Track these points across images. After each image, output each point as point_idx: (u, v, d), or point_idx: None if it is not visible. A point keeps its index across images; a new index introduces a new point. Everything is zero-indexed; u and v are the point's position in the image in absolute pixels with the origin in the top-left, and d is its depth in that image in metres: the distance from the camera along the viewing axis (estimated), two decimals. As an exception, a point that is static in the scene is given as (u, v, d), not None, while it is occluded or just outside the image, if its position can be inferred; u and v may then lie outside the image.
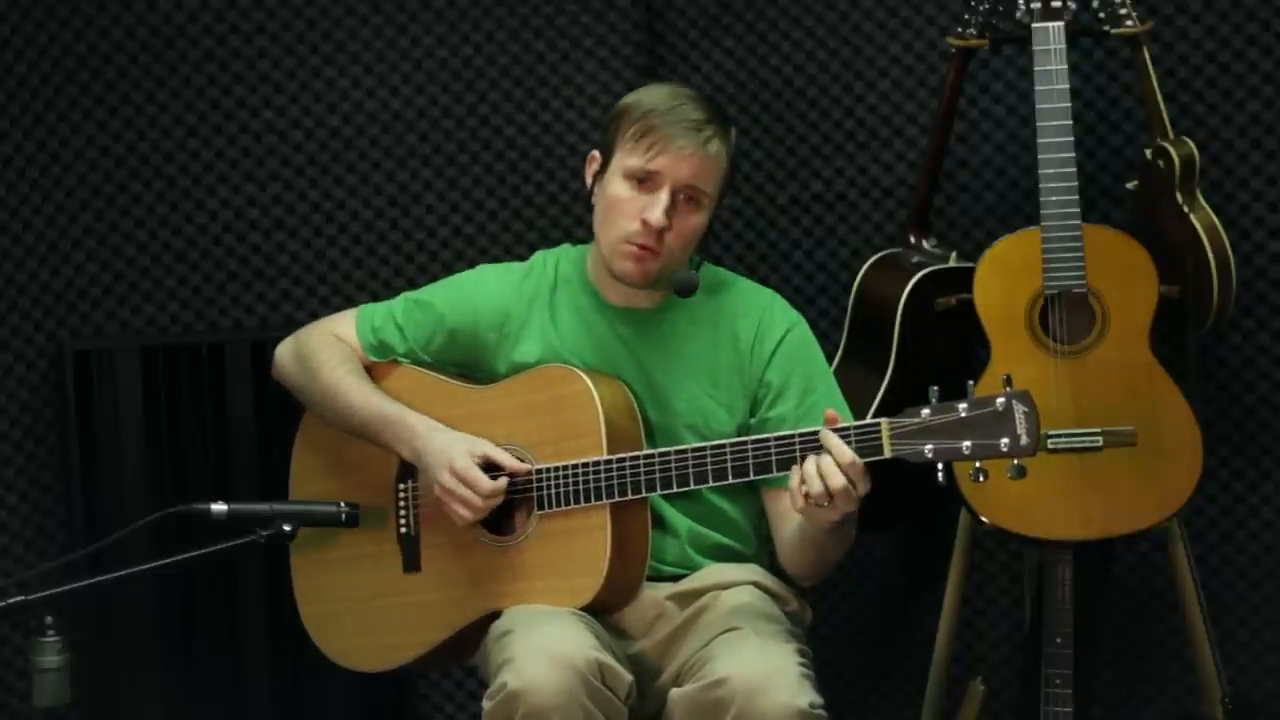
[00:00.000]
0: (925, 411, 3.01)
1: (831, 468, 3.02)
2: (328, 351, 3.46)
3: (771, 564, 3.39)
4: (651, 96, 3.30)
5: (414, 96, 4.15)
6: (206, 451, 4.04)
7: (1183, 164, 3.72)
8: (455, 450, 3.28)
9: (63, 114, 4.07)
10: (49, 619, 3.55)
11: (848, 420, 3.13)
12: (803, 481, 3.04)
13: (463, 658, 3.44)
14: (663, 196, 3.24)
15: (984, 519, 3.63)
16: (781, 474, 3.14)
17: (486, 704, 3.12)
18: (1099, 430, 3.57)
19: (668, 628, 3.27)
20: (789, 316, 3.39)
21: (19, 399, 4.05)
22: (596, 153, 3.35)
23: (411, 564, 3.42)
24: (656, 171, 3.24)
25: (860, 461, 3.02)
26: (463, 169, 4.17)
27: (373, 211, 4.17)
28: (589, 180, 3.36)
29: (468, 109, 4.16)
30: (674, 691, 3.16)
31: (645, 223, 3.24)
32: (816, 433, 3.07)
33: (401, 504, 3.42)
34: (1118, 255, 3.62)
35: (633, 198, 3.26)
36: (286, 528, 3.25)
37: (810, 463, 3.05)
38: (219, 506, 3.23)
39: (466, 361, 3.43)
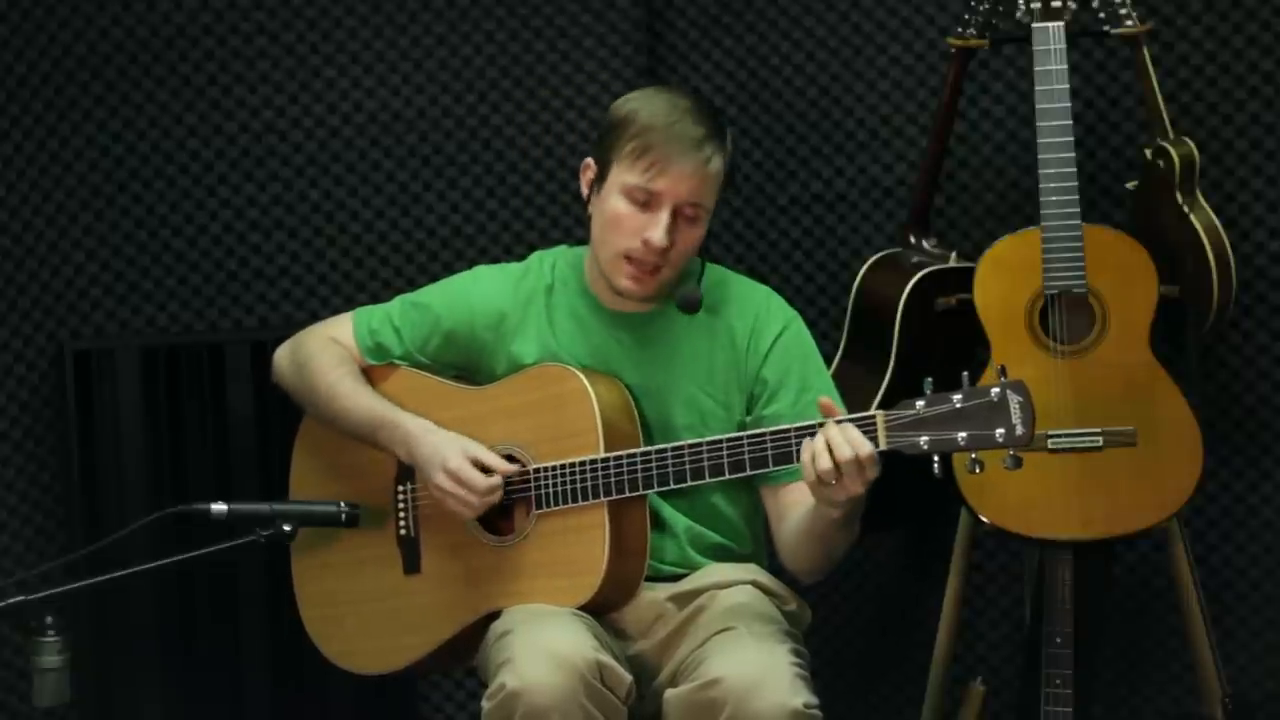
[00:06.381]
0: (920, 403, 3.00)
1: (839, 442, 3.01)
2: (324, 354, 3.45)
3: (770, 564, 3.40)
4: (649, 108, 3.24)
5: (414, 96, 4.15)
6: (206, 451, 4.04)
7: (1183, 164, 3.72)
8: (448, 450, 3.28)
9: (63, 114, 4.08)
10: (49, 619, 3.54)
11: (842, 411, 3.13)
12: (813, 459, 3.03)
13: (464, 660, 3.43)
14: (663, 217, 3.22)
15: (984, 519, 3.63)
16: (778, 470, 3.14)
17: (486, 704, 3.12)
18: (1099, 430, 3.57)
19: (666, 628, 3.27)
20: (785, 313, 3.38)
21: (19, 399, 4.05)
22: (591, 160, 3.32)
23: (412, 566, 3.42)
24: (657, 192, 3.22)
25: (872, 449, 3.01)
26: (463, 169, 4.17)
27: (373, 211, 4.18)
28: (584, 188, 3.34)
29: (468, 109, 4.16)
30: (669, 692, 3.16)
31: (647, 243, 3.23)
32: (812, 427, 3.06)
33: (401, 506, 3.42)
34: (1118, 255, 3.62)
35: (632, 215, 3.24)
36: (286, 528, 3.25)
37: (820, 438, 3.02)
38: (219, 506, 3.23)
39: (464, 363, 3.43)
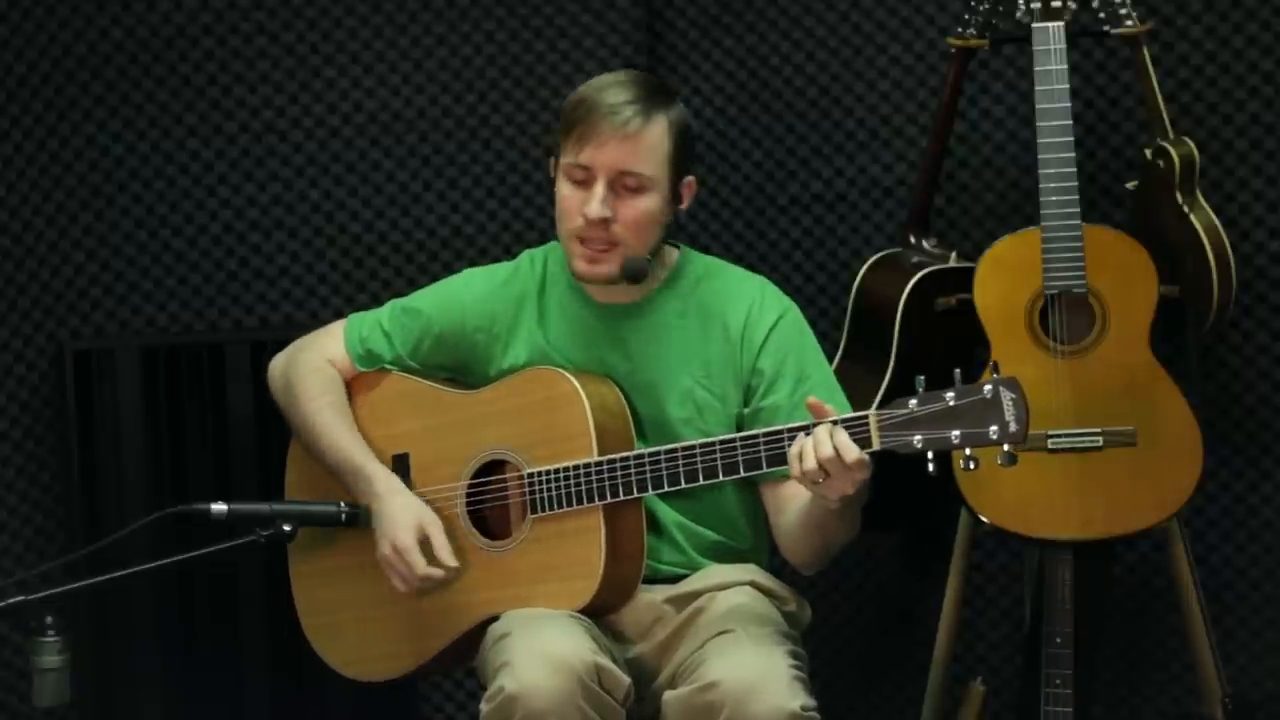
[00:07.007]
0: (913, 402, 2.99)
1: (825, 444, 3.00)
2: (311, 379, 3.44)
3: (770, 559, 3.39)
4: (584, 89, 3.28)
5: (414, 96, 4.15)
6: (206, 451, 4.04)
7: (1183, 164, 3.72)
8: (401, 524, 3.29)
9: (63, 114, 4.08)
10: (49, 619, 3.55)
11: (839, 406, 3.12)
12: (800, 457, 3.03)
13: (464, 661, 3.44)
14: (598, 189, 3.23)
15: (984, 519, 3.63)
16: (774, 468, 3.14)
17: (484, 707, 3.12)
18: (1099, 430, 3.57)
19: (665, 631, 3.27)
20: (781, 303, 3.37)
21: (19, 399, 4.05)
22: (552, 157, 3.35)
23: (410, 571, 3.42)
24: (588, 166, 3.23)
25: (861, 454, 3.00)
26: (463, 169, 4.17)
27: (373, 211, 4.18)
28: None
29: (468, 109, 4.16)
30: (667, 694, 3.16)
31: (585, 217, 3.23)
32: (805, 427, 3.05)
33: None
34: (1118, 255, 3.62)
35: (574, 195, 3.25)
36: (286, 528, 3.26)
37: (808, 438, 3.01)
38: (219, 506, 3.23)
39: (456, 365, 3.43)
